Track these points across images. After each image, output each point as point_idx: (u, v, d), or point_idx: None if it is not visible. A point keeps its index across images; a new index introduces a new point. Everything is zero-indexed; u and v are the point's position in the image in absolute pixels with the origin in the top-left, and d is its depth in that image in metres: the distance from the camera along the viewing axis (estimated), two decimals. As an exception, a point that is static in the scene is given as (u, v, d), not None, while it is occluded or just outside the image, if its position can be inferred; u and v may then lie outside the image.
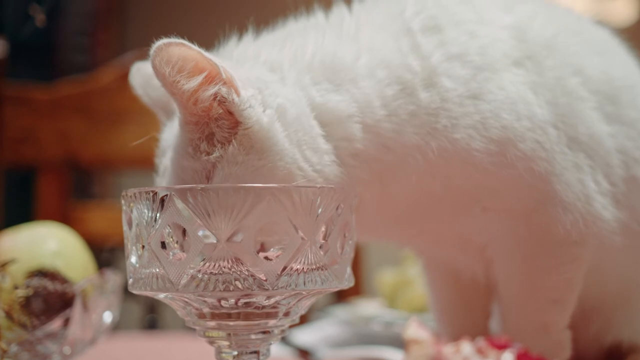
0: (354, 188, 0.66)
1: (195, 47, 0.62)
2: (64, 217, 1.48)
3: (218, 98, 0.64)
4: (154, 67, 0.62)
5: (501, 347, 0.44)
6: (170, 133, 0.71)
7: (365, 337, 1.15)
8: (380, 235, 0.79)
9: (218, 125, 0.65)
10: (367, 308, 1.25)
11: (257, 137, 0.65)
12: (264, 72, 0.69)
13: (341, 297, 1.49)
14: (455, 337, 0.60)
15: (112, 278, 0.87)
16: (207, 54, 0.63)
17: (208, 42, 0.75)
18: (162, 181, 0.71)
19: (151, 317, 1.62)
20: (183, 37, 0.63)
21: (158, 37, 0.63)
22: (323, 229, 0.62)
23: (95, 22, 3.38)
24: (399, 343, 1.11)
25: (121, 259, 1.53)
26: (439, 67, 0.71)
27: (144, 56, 1.63)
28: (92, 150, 1.57)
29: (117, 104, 1.58)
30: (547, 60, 0.74)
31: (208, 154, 0.65)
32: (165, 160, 0.70)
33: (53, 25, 3.26)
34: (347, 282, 0.64)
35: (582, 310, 0.77)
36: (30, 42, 3.05)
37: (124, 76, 1.61)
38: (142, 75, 0.76)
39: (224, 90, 0.64)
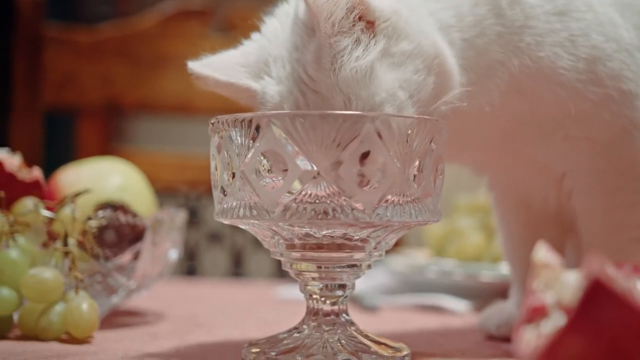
0: (446, 120, 0.64)
1: None
2: (105, 162, 1.47)
3: (353, 3, 0.62)
4: None
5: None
6: (276, 84, 0.67)
7: (416, 286, 1.14)
8: (459, 158, 0.77)
9: (360, 29, 0.64)
10: (417, 258, 1.24)
11: (400, 25, 0.64)
12: None
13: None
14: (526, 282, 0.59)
15: (180, 215, 0.86)
16: None
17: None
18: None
19: (190, 265, 1.61)
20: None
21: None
22: (417, 161, 0.60)
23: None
24: (452, 291, 1.10)
25: (164, 205, 1.51)
26: None
27: (183, 3, 1.60)
28: (133, 95, 1.56)
29: (158, 49, 1.56)
30: None
31: (362, 57, 0.63)
32: (293, 98, 0.64)
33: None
34: (438, 216, 0.63)
35: None
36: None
37: (165, 21, 1.60)
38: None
39: None
